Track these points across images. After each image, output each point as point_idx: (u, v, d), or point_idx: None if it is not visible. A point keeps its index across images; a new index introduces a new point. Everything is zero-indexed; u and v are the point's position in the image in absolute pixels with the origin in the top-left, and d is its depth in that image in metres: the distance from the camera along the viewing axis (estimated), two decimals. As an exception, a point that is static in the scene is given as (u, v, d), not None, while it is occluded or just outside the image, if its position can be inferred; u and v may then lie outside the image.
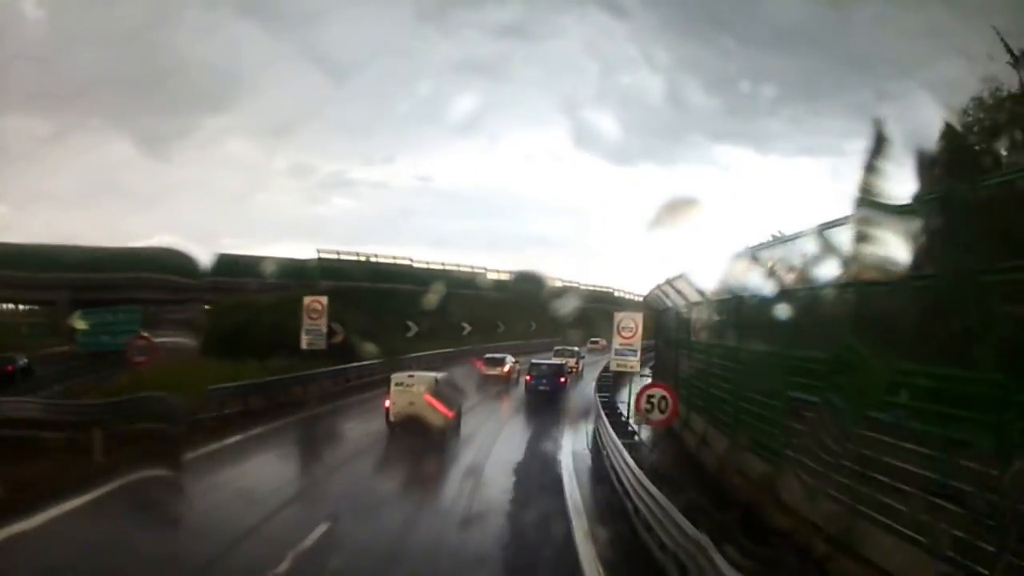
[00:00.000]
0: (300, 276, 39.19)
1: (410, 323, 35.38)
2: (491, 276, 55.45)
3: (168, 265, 41.89)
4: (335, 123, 77.36)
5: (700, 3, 68.47)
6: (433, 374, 19.61)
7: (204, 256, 42.57)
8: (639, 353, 20.56)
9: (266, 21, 75.49)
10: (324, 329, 25.02)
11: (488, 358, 32.21)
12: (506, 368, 31.61)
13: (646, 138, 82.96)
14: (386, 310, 36.27)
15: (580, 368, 35.85)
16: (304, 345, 24.86)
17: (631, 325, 20.56)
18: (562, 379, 27.39)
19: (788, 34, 69.98)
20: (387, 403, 18.66)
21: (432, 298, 36.25)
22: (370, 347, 29.87)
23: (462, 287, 47.83)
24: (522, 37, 79.67)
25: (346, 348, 28.40)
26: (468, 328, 43.25)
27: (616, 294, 61.93)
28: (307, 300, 25.47)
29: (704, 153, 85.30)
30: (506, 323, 49.55)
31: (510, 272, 57.31)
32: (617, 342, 20.55)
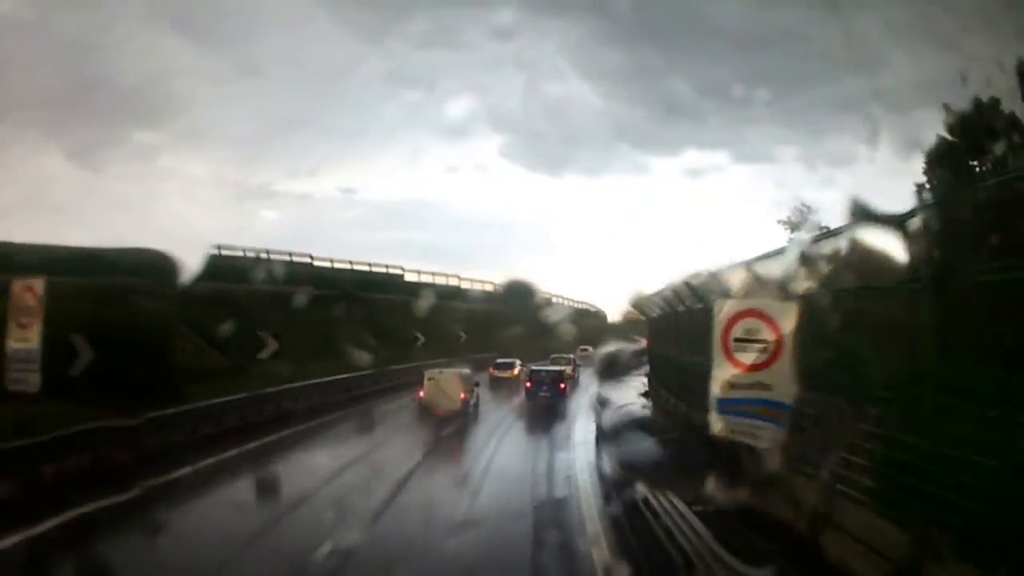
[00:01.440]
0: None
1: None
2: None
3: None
4: (261, 135, 72.36)
5: (628, 13, 66.53)
6: (454, 370, 25.29)
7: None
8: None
9: (193, 33, 69.61)
10: (37, 346, 13.41)
11: (499, 363, 35.86)
12: (516, 371, 34.87)
13: (573, 148, 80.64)
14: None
15: (576, 375, 37.56)
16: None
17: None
18: (562, 385, 27.95)
19: (716, 43, 68.57)
20: (421, 393, 23.91)
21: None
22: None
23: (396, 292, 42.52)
24: (448, 47, 75.59)
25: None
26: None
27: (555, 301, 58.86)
28: (16, 287, 14.00)
29: (632, 162, 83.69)
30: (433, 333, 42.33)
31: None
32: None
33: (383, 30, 73.93)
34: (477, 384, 26.05)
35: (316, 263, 40.36)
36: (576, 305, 63.19)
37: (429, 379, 23.85)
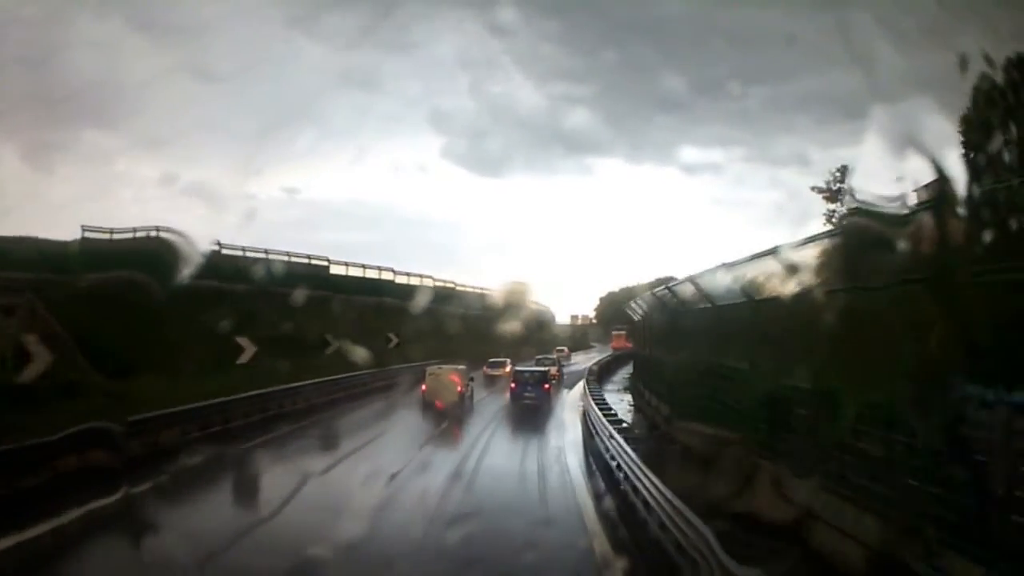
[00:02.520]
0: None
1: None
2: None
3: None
4: (206, 134, 67.83)
5: (575, 12, 65.16)
6: (452, 366, 27.02)
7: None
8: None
9: (138, 30, 64.25)
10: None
11: (492, 362, 36.75)
12: (506, 369, 35.04)
13: (515, 149, 78.71)
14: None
15: (561, 375, 38.17)
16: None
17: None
18: (546, 386, 28.34)
19: (662, 45, 67.86)
20: (423, 386, 26.30)
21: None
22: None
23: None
24: (392, 48, 72.47)
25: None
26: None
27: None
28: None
29: (575, 163, 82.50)
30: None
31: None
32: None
33: (331, 29, 69.78)
34: (472, 379, 28.41)
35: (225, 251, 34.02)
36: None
37: (430, 374, 26.64)
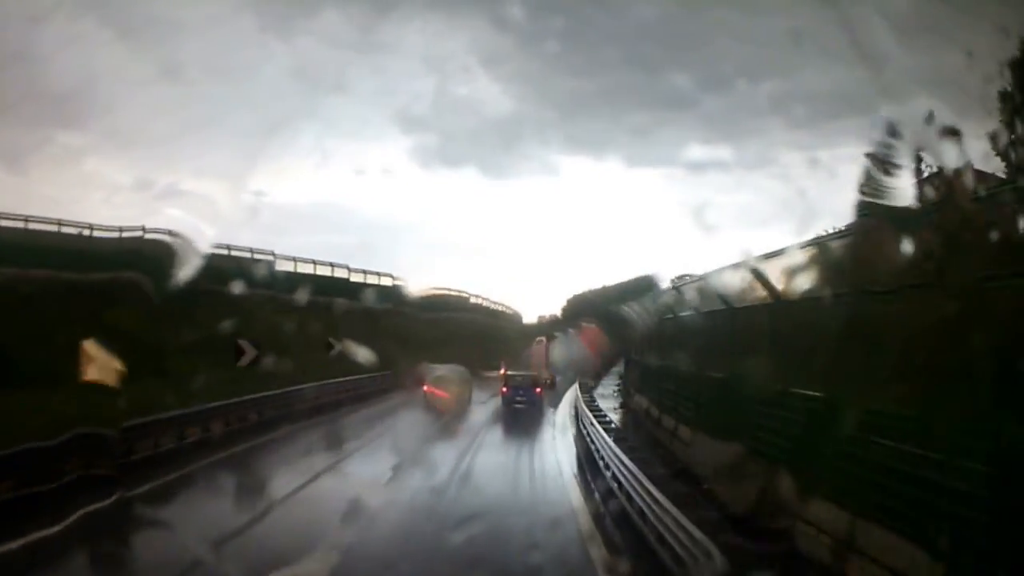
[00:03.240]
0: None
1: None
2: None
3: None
4: (176, 136, 64.72)
5: (537, 11, 64.31)
6: (453, 366, 29.84)
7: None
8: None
9: (112, 31, 61.09)
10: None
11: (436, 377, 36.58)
12: (502, 371, 34.27)
13: (480, 149, 77.46)
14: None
15: (554, 378, 37.98)
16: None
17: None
18: (537, 389, 28.26)
19: (626, 44, 67.50)
20: (426, 387, 28.57)
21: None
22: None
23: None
24: (359, 49, 70.99)
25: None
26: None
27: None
28: None
29: (542, 163, 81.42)
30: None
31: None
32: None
33: (300, 29, 67.27)
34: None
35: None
36: (494, 307, 60.53)
37: (434, 376, 28.77)
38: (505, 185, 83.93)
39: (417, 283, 47.60)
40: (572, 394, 31.32)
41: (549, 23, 70.33)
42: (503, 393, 27.99)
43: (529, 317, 64.02)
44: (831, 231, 16.02)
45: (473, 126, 73.71)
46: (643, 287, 41.95)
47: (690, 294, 18.35)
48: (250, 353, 22.96)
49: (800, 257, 11.27)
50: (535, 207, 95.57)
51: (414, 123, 77.25)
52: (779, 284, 12.17)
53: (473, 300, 54.46)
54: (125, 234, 30.04)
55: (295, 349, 25.40)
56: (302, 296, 28.64)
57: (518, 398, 26.95)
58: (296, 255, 38.13)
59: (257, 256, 35.70)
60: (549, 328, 51.34)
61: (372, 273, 43.07)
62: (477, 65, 71.67)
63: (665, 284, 26.02)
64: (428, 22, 72.57)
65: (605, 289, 54.33)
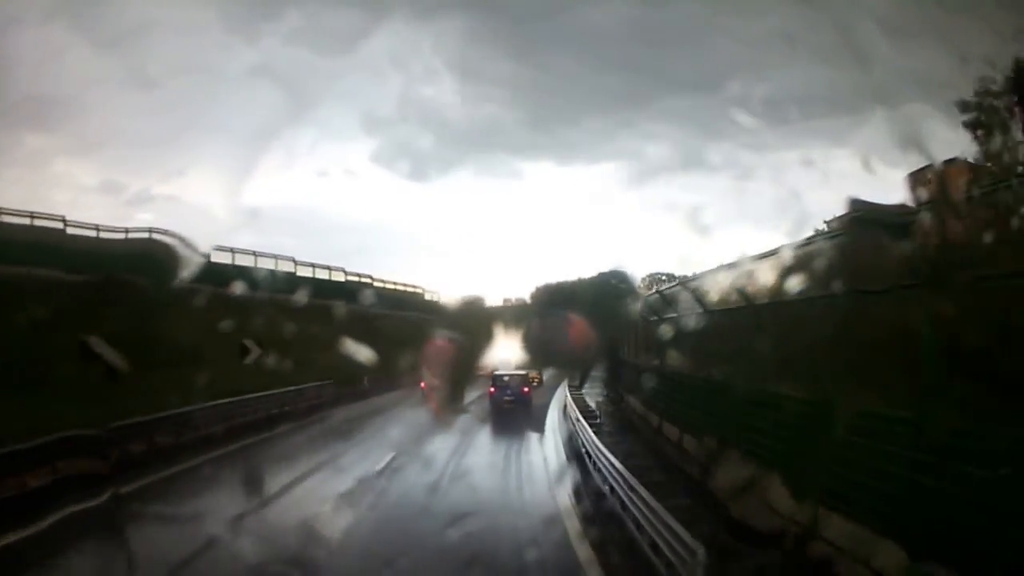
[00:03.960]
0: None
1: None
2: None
3: None
4: (143, 138, 63.94)
5: (506, 11, 63.75)
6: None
7: None
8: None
9: (79, 33, 60.54)
10: None
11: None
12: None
13: (445, 152, 77.06)
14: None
15: (542, 377, 37.43)
16: None
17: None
18: (525, 389, 27.72)
19: (594, 46, 67.24)
20: (423, 383, 29.60)
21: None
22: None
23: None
24: (324, 52, 71.18)
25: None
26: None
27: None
28: None
29: (506, 166, 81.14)
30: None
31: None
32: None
33: (262, 31, 66.21)
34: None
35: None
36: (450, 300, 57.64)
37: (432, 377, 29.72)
38: (470, 187, 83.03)
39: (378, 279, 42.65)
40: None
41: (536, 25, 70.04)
42: (490, 394, 26.83)
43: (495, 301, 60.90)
44: (819, 231, 15.95)
45: (435, 129, 73.40)
46: (616, 281, 43.34)
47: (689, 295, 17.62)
48: (254, 352, 20.26)
49: (787, 257, 11.18)
50: (502, 207, 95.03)
51: (377, 125, 76.74)
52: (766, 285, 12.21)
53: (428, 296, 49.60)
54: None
55: (210, 356, 19.54)
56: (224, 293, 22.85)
57: (506, 398, 26.02)
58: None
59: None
60: (516, 313, 48.65)
61: (322, 267, 37.45)
62: (443, 68, 71.37)
63: (638, 281, 25.51)
64: (392, 22, 71.22)
65: (580, 282, 53.31)
